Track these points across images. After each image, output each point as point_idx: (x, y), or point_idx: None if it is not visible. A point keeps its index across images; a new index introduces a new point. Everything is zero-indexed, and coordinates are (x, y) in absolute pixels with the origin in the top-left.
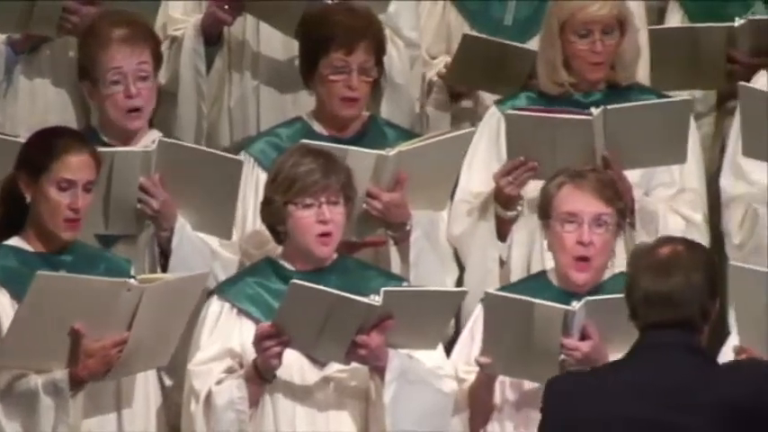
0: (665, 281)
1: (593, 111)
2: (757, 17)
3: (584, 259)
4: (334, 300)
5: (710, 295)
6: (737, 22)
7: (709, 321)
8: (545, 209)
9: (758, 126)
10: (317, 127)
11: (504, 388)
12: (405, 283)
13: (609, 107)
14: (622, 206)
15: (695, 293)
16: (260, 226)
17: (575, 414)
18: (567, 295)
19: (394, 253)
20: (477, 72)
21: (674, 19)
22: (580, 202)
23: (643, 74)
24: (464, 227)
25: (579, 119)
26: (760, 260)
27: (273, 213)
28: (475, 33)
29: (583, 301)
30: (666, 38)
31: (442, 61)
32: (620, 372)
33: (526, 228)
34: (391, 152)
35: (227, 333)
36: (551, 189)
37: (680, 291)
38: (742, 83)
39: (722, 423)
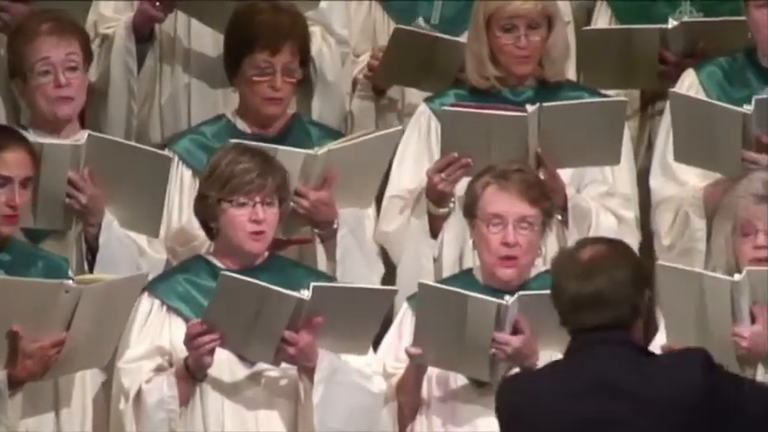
0: (589, 283)
1: (528, 108)
2: (690, 19)
3: (509, 258)
4: (262, 292)
5: (637, 290)
6: (671, 23)
7: (641, 315)
8: (470, 208)
9: (688, 132)
10: (241, 125)
11: (430, 384)
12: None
13: (544, 105)
14: (548, 206)
15: (620, 291)
16: (185, 223)
17: (532, 414)
18: (494, 292)
19: (320, 251)
20: (407, 67)
21: (603, 19)
22: (505, 203)
23: (570, 71)
24: (396, 224)
25: (514, 116)
26: (689, 262)
27: (207, 209)
28: (406, 27)
29: (516, 295)
30: (599, 38)
31: (366, 59)
32: (560, 372)
33: (458, 225)
34: (320, 151)
35: (156, 331)
36: (477, 189)
37: (606, 291)
38: (673, 90)
39: (663, 417)
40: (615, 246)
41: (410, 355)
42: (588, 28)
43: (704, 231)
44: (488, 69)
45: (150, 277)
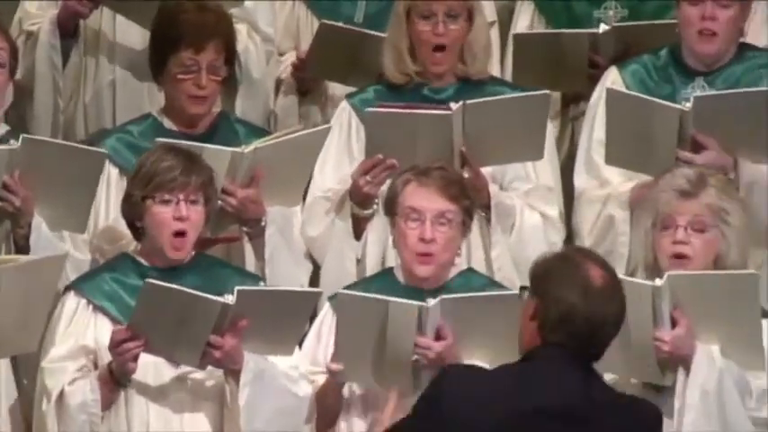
0: (599, 307)
1: (453, 105)
2: (622, 24)
3: (426, 254)
4: (188, 298)
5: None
6: (602, 28)
7: None
8: (390, 205)
9: (623, 131)
10: (168, 123)
11: (352, 391)
12: (261, 283)
13: (468, 102)
14: (468, 204)
15: (619, 322)
16: (113, 221)
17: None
18: (414, 291)
19: (248, 249)
20: (333, 62)
21: (525, 17)
22: (424, 199)
23: (494, 70)
24: (321, 228)
25: (439, 114)
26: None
27: (132, 208)
28: (331, 22)
29: (438, 298)
30: (531, 42)
31: (290, 58)
32: (519, 377)
33: (381, 226)
34: (247, 149)
35: (81, 330)
36: (397, 186)
37: (609, 320)
38: (610, 87)
39: None
40: (614, 275)
41: (330, 372)
42: (520, 32)
43: (628, 235)
44: (407, 63)
45: (73, 278)
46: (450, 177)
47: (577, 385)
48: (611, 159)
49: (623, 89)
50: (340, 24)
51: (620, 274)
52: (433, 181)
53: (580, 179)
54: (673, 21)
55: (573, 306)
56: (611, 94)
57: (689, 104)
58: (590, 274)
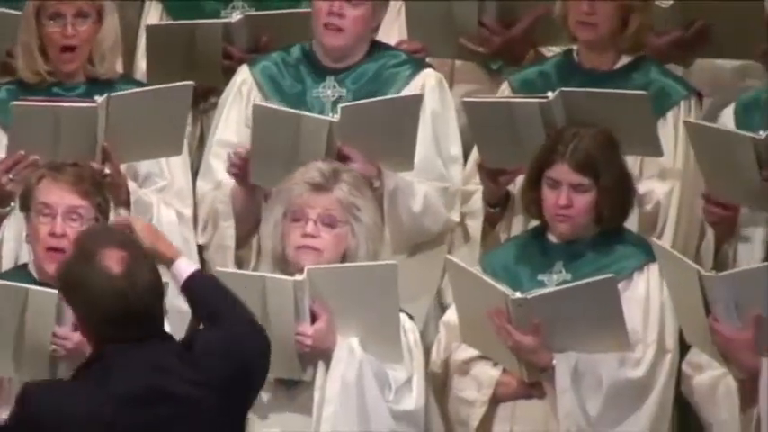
0: (130, 289)
1: (98, 99)
2: (253, 13)
3: (56, 249)
4: None
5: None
6: (234, 17)
7: None
8: (25, 201)
9: (271, 147)
10: None
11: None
12: None
13: (113, 95)
14: (100, 200)
15: (158, 287)
16: None
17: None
18: (48, 287)
19: None
20: None
21: (154, 16)
22: (55, 194)
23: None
24: None
25: (83, 107)
26: (222, 259)
27: None
28: None
29: None
30: (164, 33)
31: None
32: (96, 381)
33: (17, 222)
34: None
35: None
36: (32, 181)
37: (148, 293)
38: (256, 103)
39: (218, 392)
40: (133, 247)
41: None
42: (153, 23)
43: (233, 229)
44: (38, 63)
45: None
46: (83, 174)
47: (157, 368)
48: (256, 177)
49: (254, 87)
50: None
51: (262, 273)
52: (65, 177)
53: (199, 180)
54: (306, 10)
55: (106, 302)
56: (258, 110)
57: (337, 116)
58: (106, 264)
